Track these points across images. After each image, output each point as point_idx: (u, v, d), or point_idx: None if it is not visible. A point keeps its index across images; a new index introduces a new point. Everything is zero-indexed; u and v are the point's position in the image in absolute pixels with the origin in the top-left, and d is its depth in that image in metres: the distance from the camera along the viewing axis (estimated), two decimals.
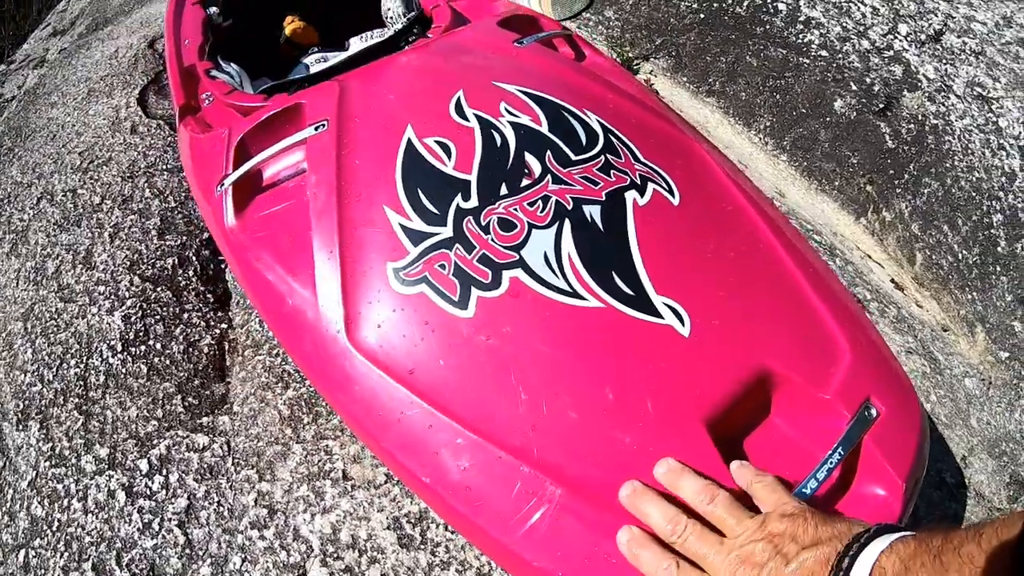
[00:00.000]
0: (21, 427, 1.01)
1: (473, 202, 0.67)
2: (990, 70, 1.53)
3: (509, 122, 0.75)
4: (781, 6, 1.73)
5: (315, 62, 1.38)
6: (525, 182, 0.69)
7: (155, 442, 0.92)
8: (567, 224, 0.66)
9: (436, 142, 0.73)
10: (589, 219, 0.66)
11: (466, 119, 0.75)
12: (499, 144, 0.73)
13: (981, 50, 1.56)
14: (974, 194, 1.31)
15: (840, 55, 1.58)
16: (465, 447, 0.57)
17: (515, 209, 0.67)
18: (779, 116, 1.49)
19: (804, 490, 0.51)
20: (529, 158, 0.72)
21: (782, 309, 0.64)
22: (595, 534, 0.51)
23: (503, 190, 0.68)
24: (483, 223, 0.66)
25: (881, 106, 1.46)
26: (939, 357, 1.12)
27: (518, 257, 0.63)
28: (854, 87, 1.51)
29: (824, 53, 1.59)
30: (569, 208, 0.67)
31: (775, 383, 0.60)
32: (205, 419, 0.96)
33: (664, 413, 0.55)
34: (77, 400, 1.00)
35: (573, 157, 0.73)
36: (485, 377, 0.58)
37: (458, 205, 0.67)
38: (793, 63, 1.58)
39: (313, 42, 1.46)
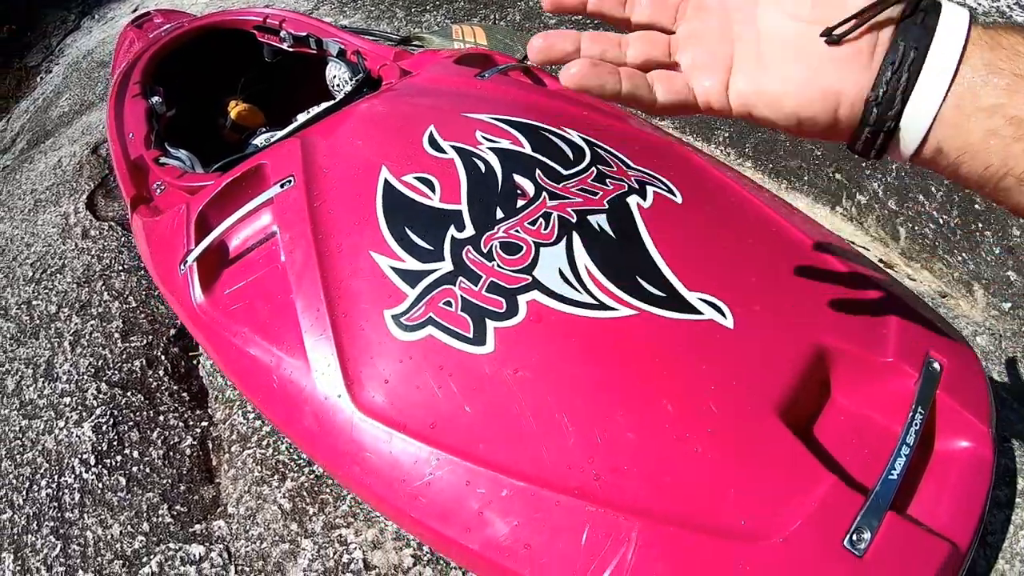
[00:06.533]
0: None
1: (469, 231, 0.62)
2: None
3: (489, 148, 0.71)
4: None
5: (264, 142, 1.34)
6: (521, 203, 0.65)
7: (145, 559, 0.81)
8: (576, 237, 0.61)
9: (416, 178, 0.68)
10: (598, 228, 0.62)
11: (443, 152, 0.71)
12: (484, 170, 0.68)
13: None
14: None
15: None
16: (513, 498, 0.49)
17: (516, 231, 0.62)
18: (735, 125, 1.51)
19: (898, 460, 0.47)
20: (519, 179, 0.67)
21: (816, 283, 0.61)
22: (687, 564, 0.44)
23: (499, 214, 0.63)
24: (484, 250, 0.60)
25: None
26: None
27: (531, 279, 0.58)
28: None
29: None
30: (574, 220, 0.62)
31: (832, 358, 0.55)
32: (198, 526, 0.85)
33: (732, 413, 0.49)
34: (53, 524, 0.90)
35: (564, 172, 0.69)
36: (521, 416, 0.51)
37: (453, 236, 0.61)
38: None
39: (259, 123, 1.42)
